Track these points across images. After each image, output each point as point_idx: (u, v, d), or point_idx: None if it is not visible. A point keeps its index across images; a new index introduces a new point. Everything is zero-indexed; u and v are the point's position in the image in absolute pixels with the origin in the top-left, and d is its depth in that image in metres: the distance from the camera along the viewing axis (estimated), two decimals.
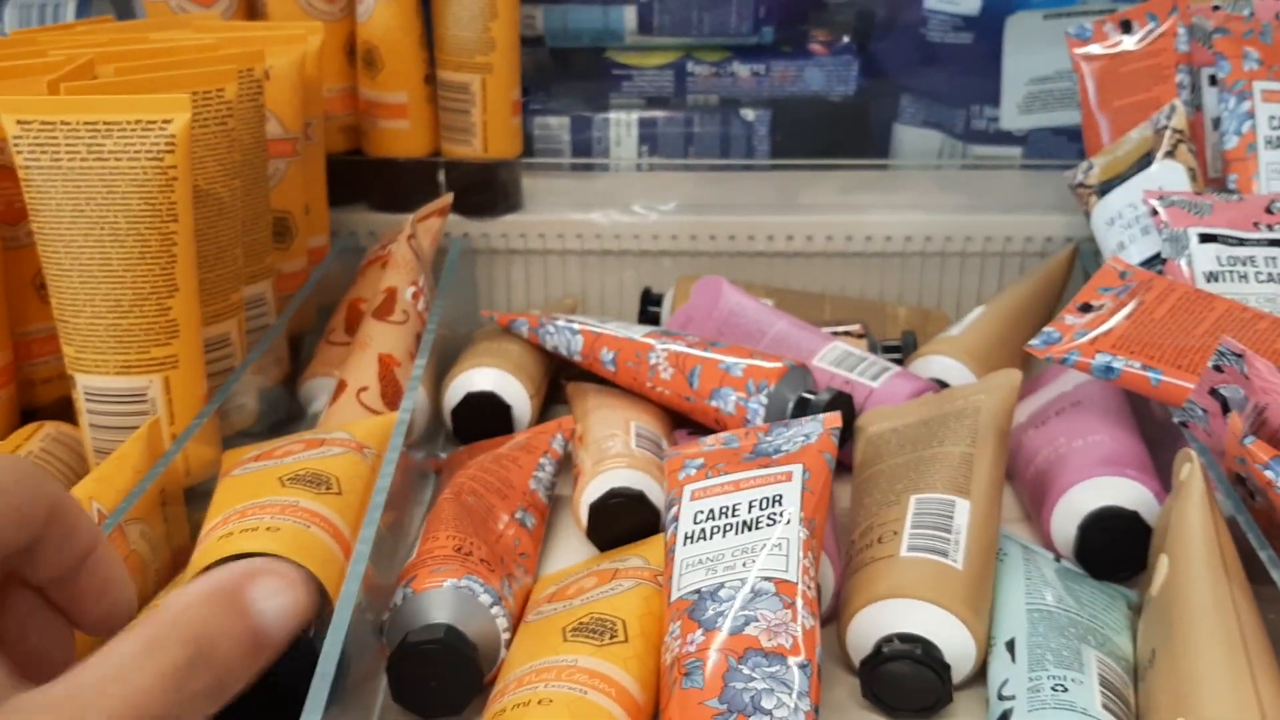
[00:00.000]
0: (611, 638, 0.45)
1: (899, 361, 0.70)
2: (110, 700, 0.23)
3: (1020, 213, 0.82)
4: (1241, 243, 0.60)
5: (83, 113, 0.53)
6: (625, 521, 0.57)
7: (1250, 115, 0.67)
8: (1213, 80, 0.70)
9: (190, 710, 0.24)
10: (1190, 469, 0.50)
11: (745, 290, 0.74)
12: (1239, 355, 0.47)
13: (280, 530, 0.44)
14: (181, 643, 0.24)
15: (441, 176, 0.82)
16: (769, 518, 0.47)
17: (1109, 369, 0.54)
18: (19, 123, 0.53)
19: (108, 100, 0.53)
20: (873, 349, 0.71)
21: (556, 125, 0.91)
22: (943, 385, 0.65)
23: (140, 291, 0.54)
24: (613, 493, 0.57)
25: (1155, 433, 0.59)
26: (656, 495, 0.58)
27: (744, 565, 0.45)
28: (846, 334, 0.72)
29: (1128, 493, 0.53)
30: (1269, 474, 0.45)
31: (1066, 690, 0.41)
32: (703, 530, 0.48)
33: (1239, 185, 0.66)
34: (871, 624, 0.47)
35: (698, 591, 0.44)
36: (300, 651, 0.40)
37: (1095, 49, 0.74)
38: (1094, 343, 0.55)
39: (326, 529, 0.45)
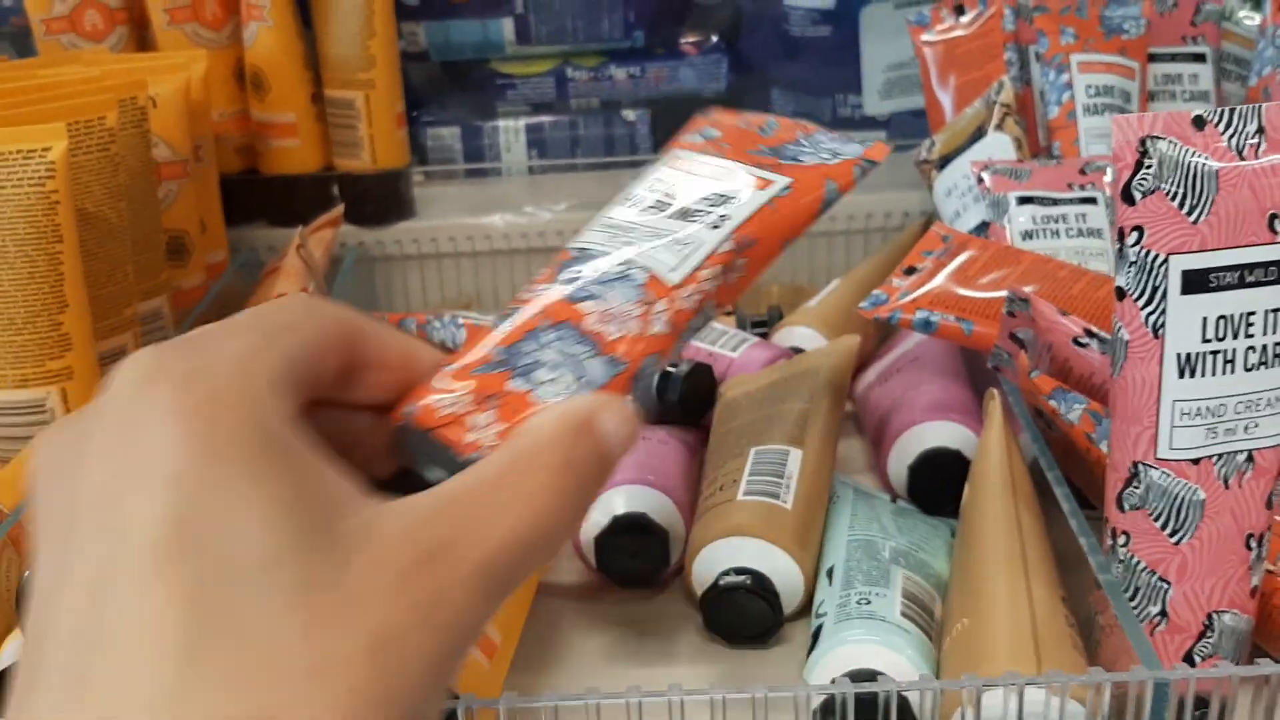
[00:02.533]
0: None
1: (765, 334, 0.74)
2: (499, 509, 0.24)
3: (883, 191, 0.87)
4: (1055, 202, 0.65)
5: None
6: None
7: (1069, 86, 0.72)
8: (1036, 56, 0.75)
9: (565, 528, 0.26)
10: (993, 405, 0.55)
11: None
12: (1025, 300, 0.52)
13: None
14: (550, 466, 0.26)
15: (335, 189, 0.86)
16: (706, 214, 0.40)
17: (928, 323, 0.59)
18: None
19: None
20: (741, 324, 0.76)
21: (448, 135, 0.96)
22: (798, 352, 0.70)
23: (32, 309, 0.58)
24: None
25: (988, 382, 0.64)
26: None
27: (639, 246, 0.38)
28: None
29: (951, 434, 0.58)
30: (1052, 403, 0.50)
31: (870, 603, 0.46)
32: (651, 202, 0.41)
33: (1062, 151, 0.72)
34: (711, 561, 0.52)
35: (582, 250, 0.38)
36: None
37: (933, 34, 0.79)
38: (915, 301, 0.60)
39: None
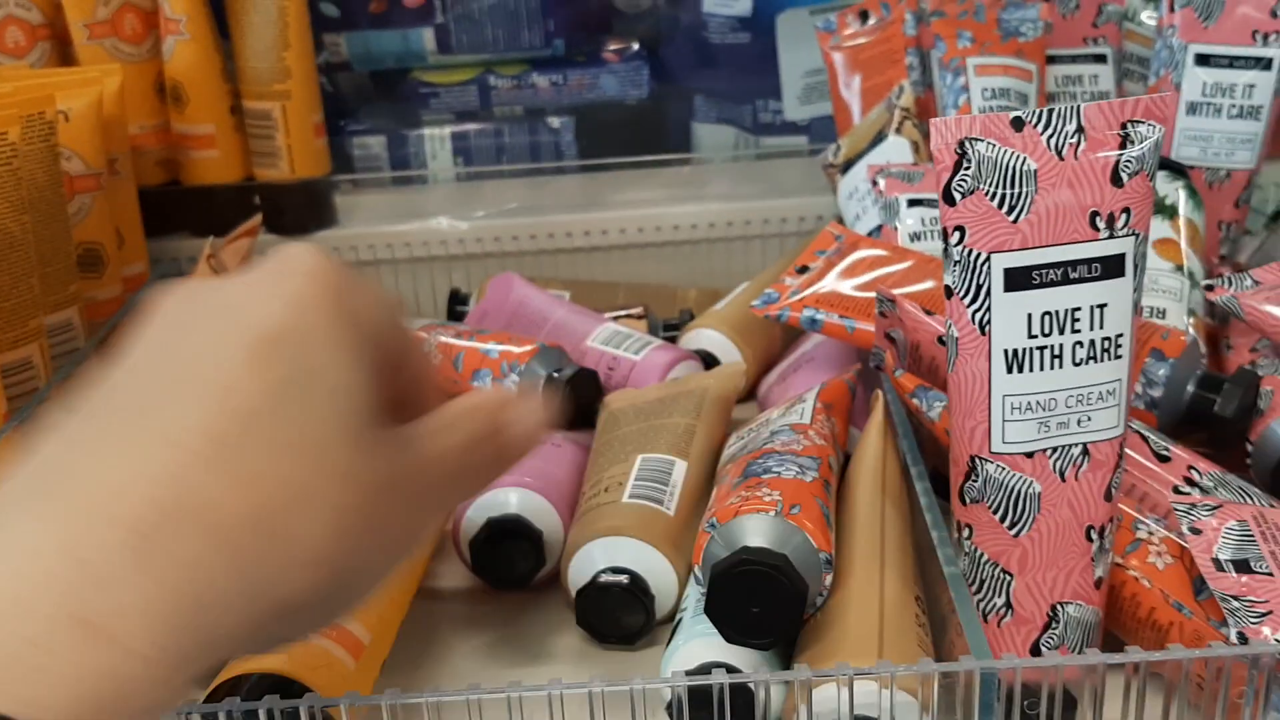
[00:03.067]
0: None
1: (674, 338, 0.75)
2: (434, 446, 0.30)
3: (800, 195, 0.88)
4: None
5: None
6: None
7: (965, 89, 0.74)
8: (936, 60, 0.76)
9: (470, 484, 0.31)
10: (876, 405, 0.56)
11: (540, 285, 0.80)
12: (892, 300, 0.53)
13: None
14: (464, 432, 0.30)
15: (256, 199, 0.87)
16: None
17: (814, 321, 0.60)
18: None
19: None
20: (653, 328, 0.77)
21: (375, 144, 0.97)
22: (704, 355, 0.71)
23: None
24: None
25: (877, 380, 0.65)
26: None
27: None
28: (628, 316, 0.78)
29: None
30: (915, 400, 0.51)
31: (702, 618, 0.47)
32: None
33: None
34: (589, 559, 0.52)
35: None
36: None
37: (838, 40, 0.81)
38: (803, 300, 0.61)
39: None
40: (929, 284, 0.59)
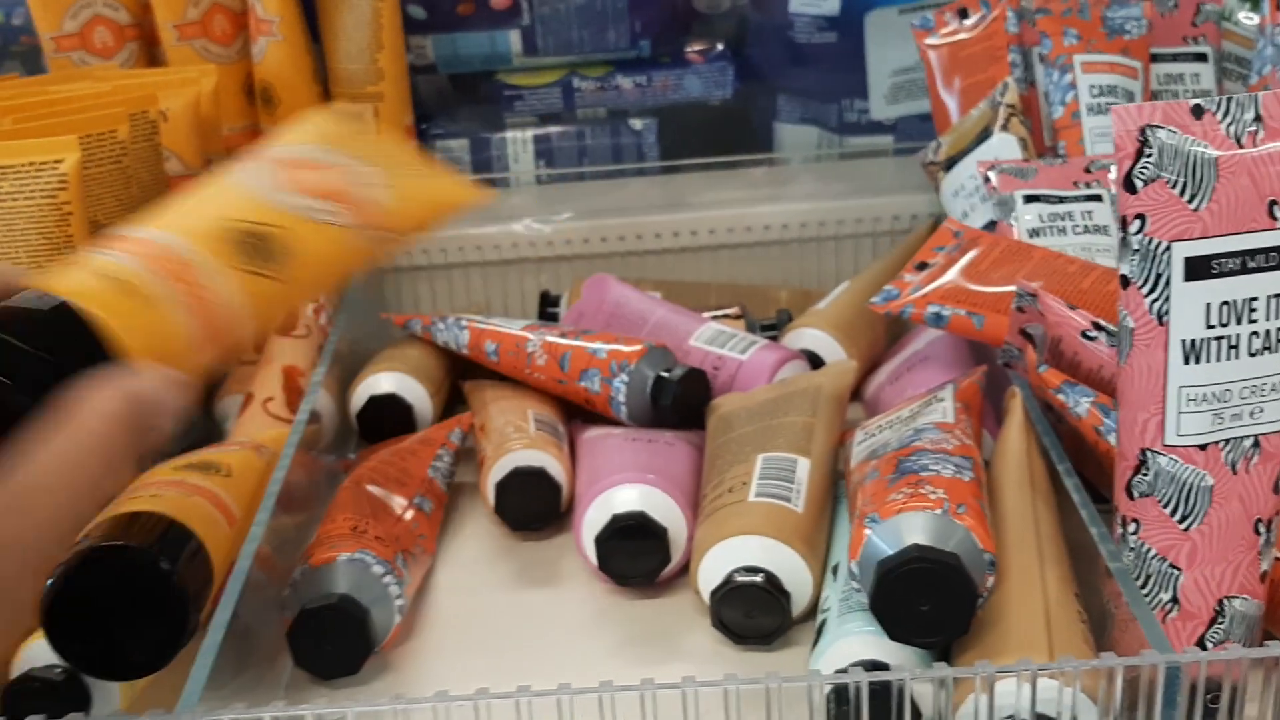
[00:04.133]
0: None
1: (774, 337, 0.75)
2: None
3: (891, 194, 0.87)
4: (1062, 200, 0.65)
5: None
6: (529, 497, 0.62)
7: (1072, 86, 0.73)
8: (1040, 58, 0.75)
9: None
10: (1014, 402, 0.55)
11: (632, 285, 0.79)
12: (1033, 295, 0.52)
13: (163, 497, 0.48)
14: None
15: None
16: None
17: (939, 317, 0.59)
18: None
19: (2, 146, 0.58)
20: (750, 328, 0.76)
21: (457, 147, 0.96)
22: (809, 354, 0.71)
23: None
24: (516, 471, 0.62)
25: (1002, 377, 0.64)
26: (556, 471, 0.63)
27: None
28: (725, 316, 0.77)
29: None
30: (1061, 396, 0.50)
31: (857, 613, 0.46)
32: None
33: (1067, 150, 0.72)
34: (722, 559, 0.52)
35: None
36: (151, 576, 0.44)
37: (937, 38, 0.80)
38: (926, 296, 0.60)
39: (209, 499, 0.50)
40: (1055, 280, 0.59)
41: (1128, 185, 0.40)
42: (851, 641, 0.45)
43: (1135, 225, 0.40)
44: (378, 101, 0.84)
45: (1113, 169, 0.66)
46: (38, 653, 0.48)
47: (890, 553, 0.43)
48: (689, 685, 0.40)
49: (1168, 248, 0.40)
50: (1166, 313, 0.40)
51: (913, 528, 0.43)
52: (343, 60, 0.83)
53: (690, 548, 0.56)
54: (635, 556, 0.55)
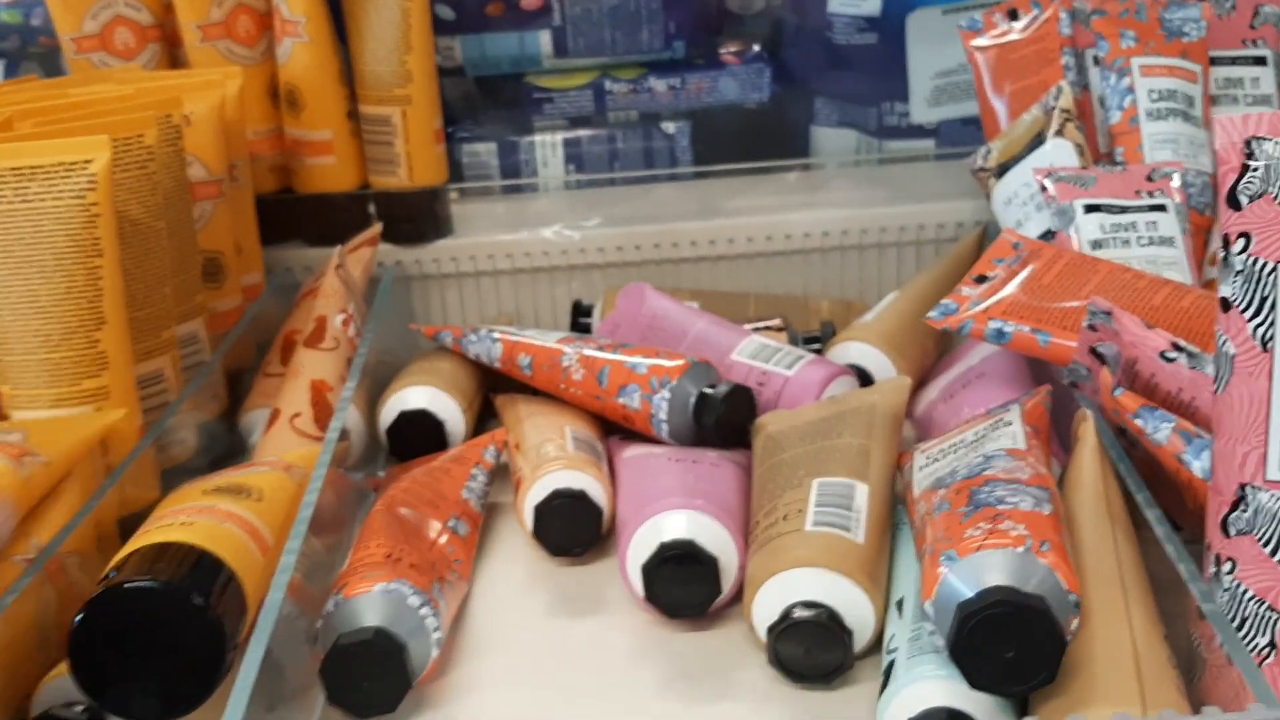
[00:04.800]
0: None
1: (818, 351, 0.72)
2: None
3: (934, 201, 0.85)
4: (1124, 210, 0.62)
5: (7, 160, 0.55)
6: (569, 520, 0.60)
7: (1130, 90, 0.70)
8: (1095, 60, 0.73)
9: None
10: (1085, 427, 0.53)
11: (669, 295, 0.77)
12: (1108, 312, 0.49)
13: (194, 525, 0.46)
14: None
15: (371, 208, 0.85)
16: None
17: (1001, 333, 0.56)
18: None
19: (31, 146, 0.56)
20: (793, 341, 0.74)
21: (484, 151, 0.94)
22: (858, 370, 0.68)
23: (68, 325, 0.56)
24: (556, 494, 0.60)
25: (1064, 397, 0.61)
26: (597, 494, 0.60)
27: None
28: (767, 329, 0.74)
29: None
30: (1138, 421, 0.48)
31: (934, 633, 0.43)
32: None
33: (1125, 157, 0.69)
34: (779, 593, 0.49)
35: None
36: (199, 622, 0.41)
37: (986, 39, 0.77)
38: (987, 311, 0.58)
39: (242, 526, 0.47)
40: (1124, 296, 0.56)
41: (1231, 201, 0.37)
42: (925, 687, 0.42)
43: (1239, 244, 0.37)
44: (405, 104, 0.81)
45: (1176, 178, 0.63)
46: (59, 690, 0.45)
47: (970, 594, 0.40)
48: None
49: (1274, 269, 0.37)
50: (1271, 338, 0.37)
51: (993, 567, 0.41)
52: (370, 62, 0.81)
53: (741, 576, 0.53)
54: (684, 586, 0.53)
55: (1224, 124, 0.37)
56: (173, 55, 0.85)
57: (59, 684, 0.45)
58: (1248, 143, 0.37)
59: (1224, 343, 0.38)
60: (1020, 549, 0.41)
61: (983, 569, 0.41)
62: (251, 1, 0.82)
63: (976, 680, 0.40)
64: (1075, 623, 0.41)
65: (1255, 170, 0.37)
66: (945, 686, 0.42)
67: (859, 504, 0.52)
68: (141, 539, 0.46)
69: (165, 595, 0.40)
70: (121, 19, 0.82)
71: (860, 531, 0.51)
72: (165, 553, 0.43)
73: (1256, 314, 0.37)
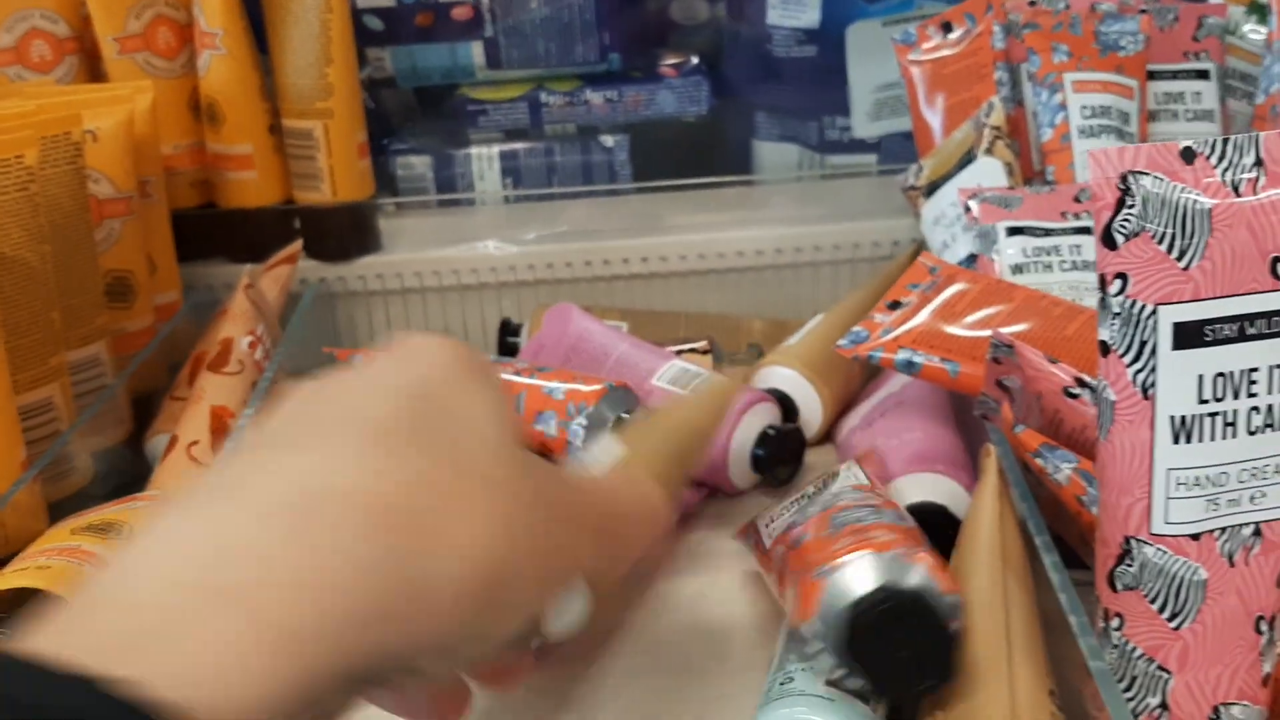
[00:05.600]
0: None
1: None
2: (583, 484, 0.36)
3: (873, 219, 0.83)
4: (1048, 233, 0.60)
5: None
6: None
7: (1063, 107, 0.68)
8: (1029, 75, 0.71)
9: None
10: (988, 463, 0.50)
11: (596, 315, 0.75)
12: (1009, 346, 0.47)
13: (50, 568, 0.44)
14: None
15: (296, 223, 0.82)
16: None
17: (910, 364, 0.54)
18: None
19: None
20: (718, 363, 0.72)
21: (419, 164, 0.91)
22: (779, 395, 0.66)
23: None
24: None
25: (980, 430, 0.59)
26: None
27: None
28: (692, 351, 0.72)
29: (936, 488, 0.53)
30: (1039, 460, 0.46)
31: (792, 680, 0.42)
32: None
33: (1056, 176, 0.67)
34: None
35: None
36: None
37: (919, 53, 0.75)
38: (897, 339, 0.55)
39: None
40: (1037, 324, 0.54)
41: (1107, 240, 0.35)
42: (804, 707, 0.40)
43: (1116, 285, 0.35)
44: (327, 118, 0.79)
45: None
46: None
47: (859, 594, 0.39)
48: None
49: (1153, 311, 0.35)
50: (1152, 385, 0.35)
51: (871, 568, 0.40)
52: (290, 75, 0.79)
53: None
54: None
55: (1098, 157, 0.34)
56: (92, 68, 0.82)
57: None
58: (1123, 177, 0.34)
59: (1104, 389, 0.36)
60: (892, 553, 0.39)
61: (862, 572, 0.39)
62: (171, 13, 0.80)
63: (879, 684, 0.38)
64: (956, 624, 0.39)
65: (1131, 207, 0.34)
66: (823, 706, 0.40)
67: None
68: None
69: None
70: (38, 31, 0.79)
71: None
72: (5, 599, 0.41)
73: (1136, 359, 0.35)
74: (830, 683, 0.41)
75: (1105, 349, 0.36)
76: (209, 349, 0.70)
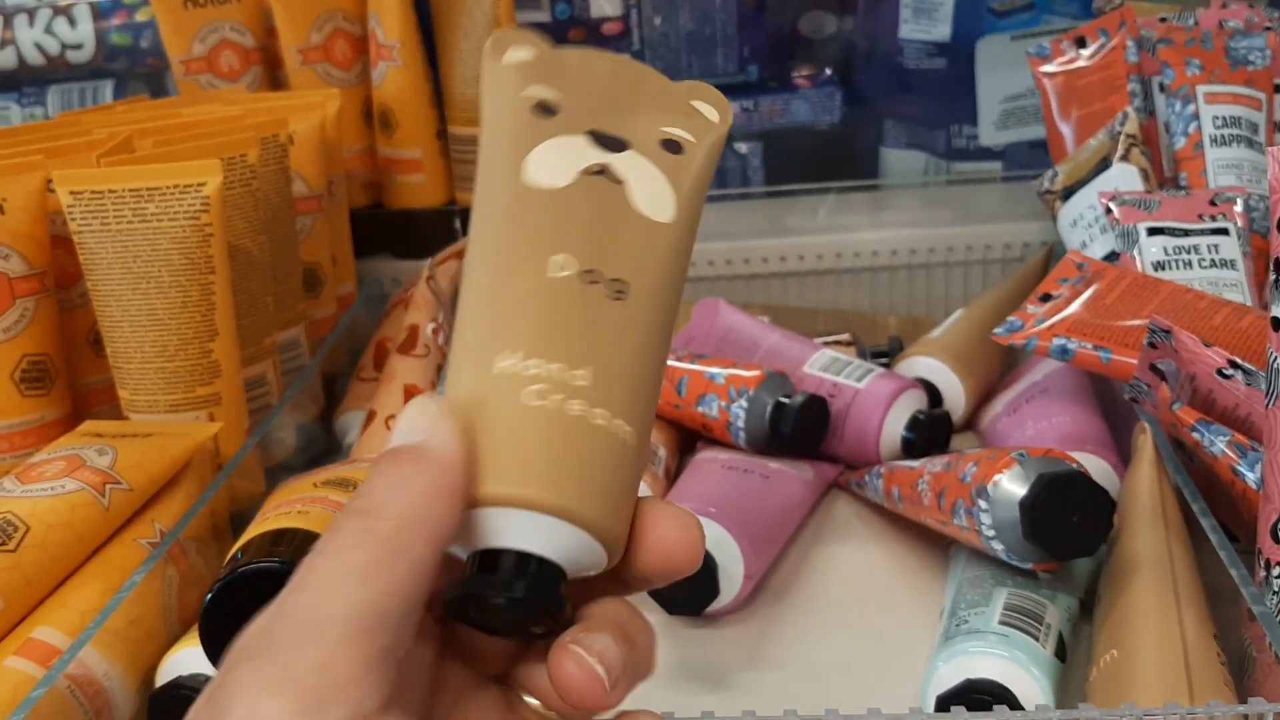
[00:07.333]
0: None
1: (887, 365, 0.75)
2: None
3: (1000, 222, 0.87)
4: (1186, 233, 0.64)
5: (127, 181, 0.59)
6: None
7: (1195, 117, 0.72)
8: (1161, 87, 0.75)
9: None
10: (1144, 440, 0.55)
11: (742, 309, 0.80)
12: (1167, 331, 0.51)
13: (309, 514, 0.49)
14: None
15: (458, 223, 0.89)
16: None
17: (1064, 350, 0.59)
18: (72, 193, 0.59)
19: (149, 169, 0.60)
20: (862, 355, 0.76)
21: None
22: (925, 383, 0.70)
23: (184, 337, 0.60)
24: None
25: (1124, 413, 0.64)
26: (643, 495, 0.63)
27: None
28: (836, 343, 0.77)
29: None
30: (1195, 435, 0.50)
31: (968, 622, 0.47)
32: None
33: (1189, 182, 0.71)
34: None
35: None
36: None
37: (1053, 66, 0.79)
38: (1051, 328, 0.60)
39: None
40: (1185, 315, 0.58)
41: None
42: (943, 670, 0.45)
43: None
44: None
45: (1239, 202, 0.65)
46: (182, 661, 0.49)
47: (1053, 470, 0.48)
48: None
49: None
50: None
51: (1049, 464, 0.49)
52: (459, 85, 0.85)
53: (748, 586, 0.56)
54: (681, 585, 0.55)
55: (1276, 154, 0.39)
56: (273, 77, 0.89)
57: (182, 656, 0.49)
58: None
59: (1274, 360, 0.41)
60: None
61: (1045, 464, 0.49)
62: (348, 27, 0.87)
63: (1055, 549, 0.48)
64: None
65: None
66: (967, 661, 0.45)
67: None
68: (260, 526, 0.50)
69: (287, 576, 0.44)
70: (228, 42, 0.87)
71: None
72: (283, 538, 0.47)
73: None
74: (1004, 621, 0.46)
75: (1277, 324, 0.40)
76: (394, 335, 0.76)
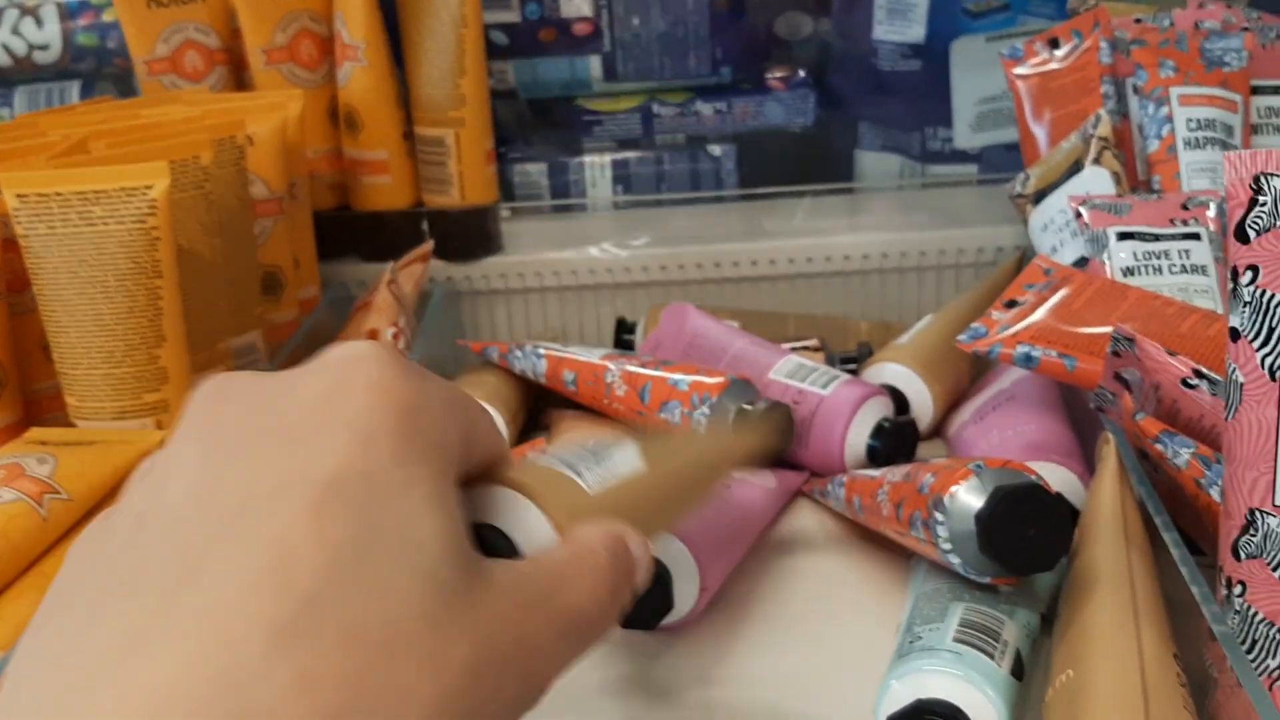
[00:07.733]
0: None
1: (854, 371, 0.73)
2: (573, 583, 0.28)
3: (975, 226, 0.86)
4: (1157, 238, 0.63)
5: (74, 184, 0.58)
6: None
7: (1169, 119, 0.71)
8: (1135, 89, 0.74)
9: (608, 613, 0.29)
10: (1107, 450, 0.54)
11: (710, 314, 0.79)
12: (1130, 339, 0.50)
13: None
14: (600, 564, 0.29)
15: (425, 225, 0.87)
16: None
17: (1029, 358, 0.58)
18: (18, 196, 0.58)
19: (95, 171, 0.58)
20: (830, 361, 0.75)
21: (535, 171, 0.96)
22: (892, 390, 0.69)
23: (130, 342, 0.59)
24: None
25: (1093, 422, 0.62)
26: None
27: None
28: (804, 348, 0.76)
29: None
30: (1159, 446, 0.49)
31: (921, 639, 0.45)
32: None
33: (1162, 185, 0.70)
34: None
35: None
36: None
37: (1027, 67, 0.78)
38: (1016, 335, 0.59)
39: None
40: (1151, 323, 0.57)
41: (1239, 235, 0.38)
42: (895, 689, 0.44)
43: (1247, 276, 0.38)
44: (459, 126, 0.84)
45: (1213, 207, 0.64)
46: None
47: (1010, 483, 0.47)
48: None
49: None
50: (1279, 368, 0.39)
51: (1006, 475, 0.48)
52: (425, 85, 0.84)
53: (703, 599, 0.54)
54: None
55: (1233, 160, 0.38)
56: (238, 77, 0.88)
57: None
58: (1256, 178, 0.38)
59: (1233, 371, 0.40)
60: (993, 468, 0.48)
61: (1002, 476, 0.48)
62: (314, 27, 0.85)
63: (1012, 564, 0.47)
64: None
65: (1263, 205, 0.38)
66: (918, 680, 0.44)
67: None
68: None
69: None
70: (191, 43, 0.85)
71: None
72: None
73: (1265, 344, 0.39)
74: (958, 639, 0.45)
75: (1235, 335, 0.39)
76: (355, 339, 0.75)
